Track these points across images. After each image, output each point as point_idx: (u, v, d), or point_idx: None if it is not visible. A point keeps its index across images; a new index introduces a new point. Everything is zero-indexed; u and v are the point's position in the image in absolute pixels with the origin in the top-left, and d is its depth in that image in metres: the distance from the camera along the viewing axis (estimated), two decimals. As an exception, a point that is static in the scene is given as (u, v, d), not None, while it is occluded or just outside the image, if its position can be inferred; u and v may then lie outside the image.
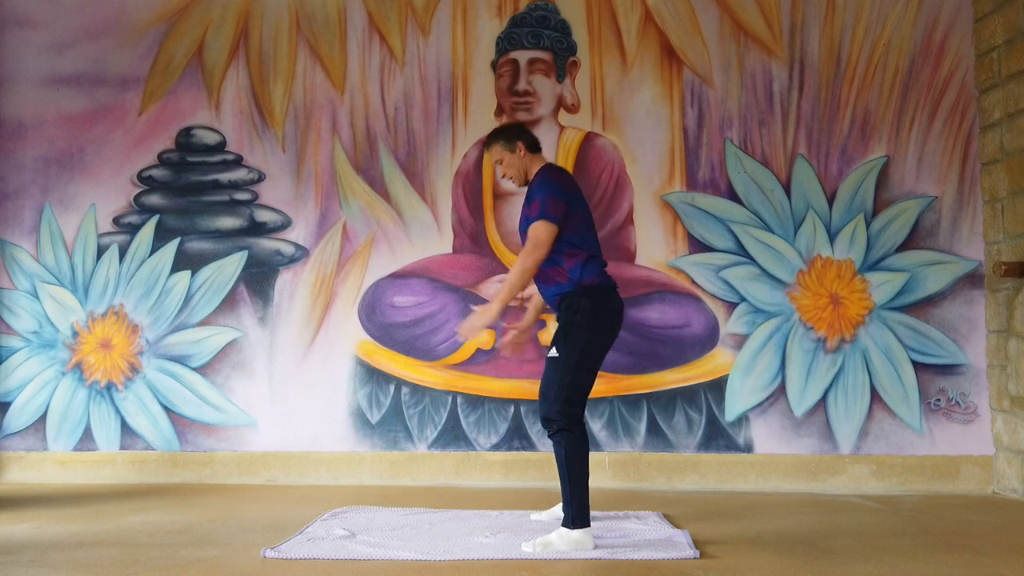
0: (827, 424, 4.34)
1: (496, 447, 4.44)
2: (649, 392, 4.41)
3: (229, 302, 4.64)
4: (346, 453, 4.51)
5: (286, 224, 4.66)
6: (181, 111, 4.75)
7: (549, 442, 4.35)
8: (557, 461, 3.06)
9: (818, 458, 4.32)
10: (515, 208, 4.54)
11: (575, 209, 3.18)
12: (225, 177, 4.71)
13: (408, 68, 4.68)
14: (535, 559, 2.89)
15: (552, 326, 3.93)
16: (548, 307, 3.36)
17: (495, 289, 4.48)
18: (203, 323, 4.64)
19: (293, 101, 4.72)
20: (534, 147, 3.35)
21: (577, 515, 3.01)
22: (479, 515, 3.59)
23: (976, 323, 4.33)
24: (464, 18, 4.68)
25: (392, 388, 4.53)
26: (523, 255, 3.11)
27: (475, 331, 3.28)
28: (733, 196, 4.49)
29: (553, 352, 3.12)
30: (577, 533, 2.99)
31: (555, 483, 3.83)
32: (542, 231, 3.10)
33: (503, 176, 3.36)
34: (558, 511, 3.44)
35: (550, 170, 3.26)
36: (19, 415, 4.66)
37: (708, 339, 4.43)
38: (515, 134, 3.33)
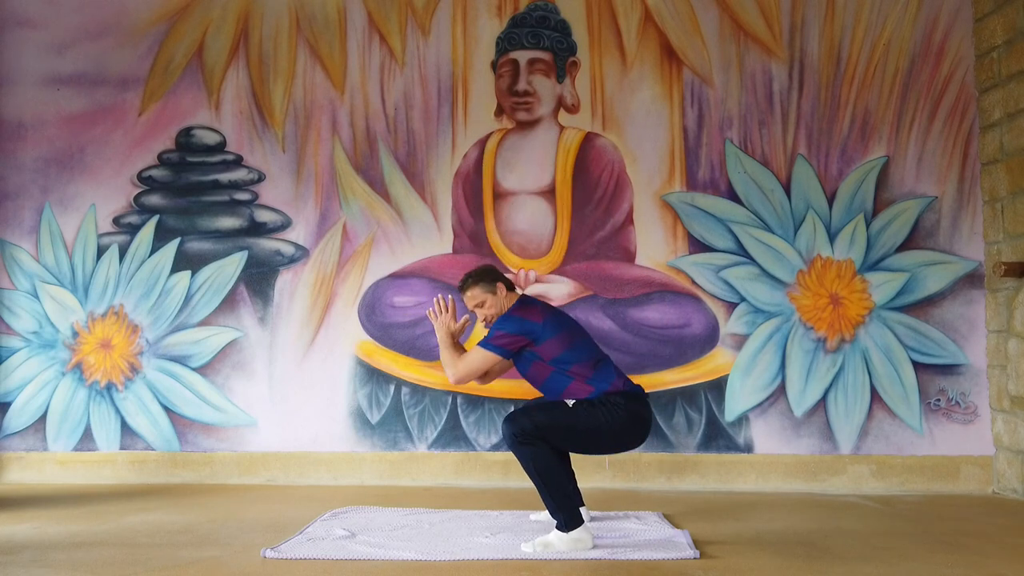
0: (827, 424, 4.34)
1: (496, 447, 4.44)
2: (649, 392, 4.39)
3: (229, 302, 4.64)
4: (346, 453, 4.51)
5: (286, 224, 4.66)
6: (181, 111, 4.75)
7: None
8: (528, 473, 3.03)
9: (818, 458, 4.32)
10: (515, 208, 4.54)
11: (553, 333, 3.13)
12: (225, 177, 4.71)
13: (408, 68, 4.68)
14: (535, 559, 2.88)
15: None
16: None
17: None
18: (203, 323, 4.64)
19: (293, 101, 4.72)
20: (512, 287, 3.33)
21: (568, 518, 2.99)
22: (479, 515, 3.59)
23: (976, 323, 4.33)
24: (464, 18, 4.68)
25: (392, 388, 4.53)
26: (452, 364, 3.23)
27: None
28: (733, 196, 4.49)
29: (569, 402, 3.07)
30: (574, 532, 2.98)
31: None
32: (471, 363, 3.20)
33: (483, 320, 3.29)
34: None
35: (516, 308, 3.22)
36: (19, 415, 4.66)
37: (708, 339, 4.43)
38: (492, 277, 3.30)
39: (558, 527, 3.01)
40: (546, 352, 3.13)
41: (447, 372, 3.27)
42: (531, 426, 2.98)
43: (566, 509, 3.01)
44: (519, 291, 3.32)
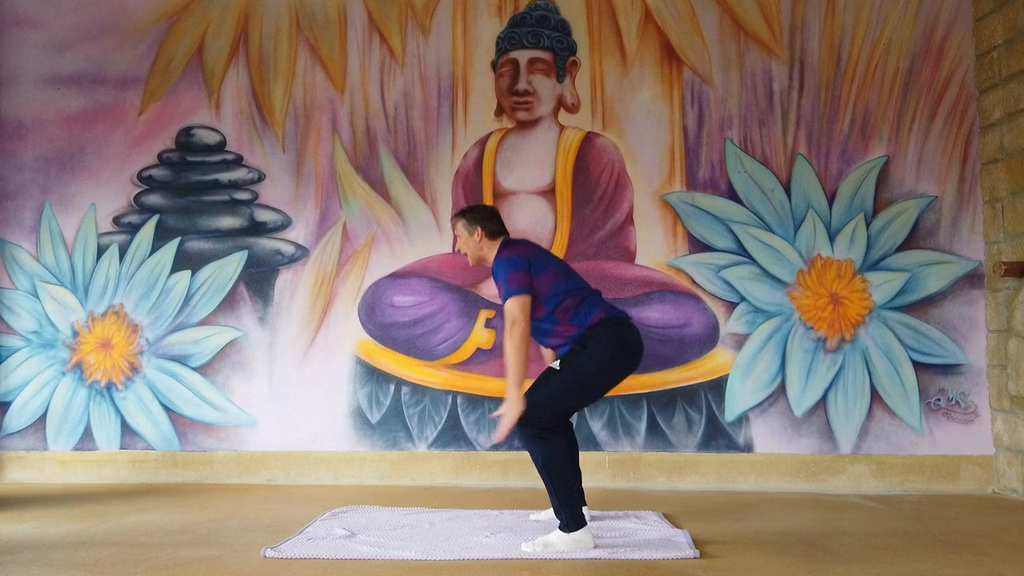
0: (827, 424, 4.34)
1: (496, 447, 4.44)
2: (649, 392, 4.41)
3: (229, 302, 4.64)
4: (346, 453, 4.51)
5: (286, 224, 4.66)
6: (181, 111, 4.75)
7: (549, 442, 4.35)
8: (536, 467, 3.06)
9: (818, 458, 4.32)
10: (515, 208, 4.54)
11: (540, 269, 3.18)
12: (225, 177, 4.71)
13: (408, 68, 4.68)
14: (535, 559, 2.88)
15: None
16: None
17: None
18: (203, 323, 4.64)
19: (293, 101, 4.72)
20: (494, 235, 3.33)
21: (570, 518, 3.00)
22: (479, 515, 3.59)
23: (976, 323, 4.33)
24: (464, 18, 4.68)
25: (392, 388, 4.53)
26: (506, 336, 3.11)
27: (510, 429, 3.12)
28: (733, 196, 4.49)
29: (555, 364, 3.12)
30: (576, 533, 2.99)
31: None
32: (512, 307, 3.11)
33: (458, 249, 3.37)
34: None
35: (501, 251, 3.27)
36: (19, 415, 4.66)
37: (708, 339, 4.43)
38: (477, 219, 3.34)
39: (560, 527, 3.01)
40: (539, 287, 3.16)
41: (512, 342, 3.08)
42: (534, 416, 3.00)
43: (569, 508, 3.01)
44: (503, 237, 3.35)
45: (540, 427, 3.03)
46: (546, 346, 3.31)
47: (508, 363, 3.07)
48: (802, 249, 4.44)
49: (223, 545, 3.11)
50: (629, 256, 4.49)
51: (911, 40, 4.48)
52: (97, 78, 4.79)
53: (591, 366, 3.10)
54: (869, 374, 4.34)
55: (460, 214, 3.39)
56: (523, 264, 3.17)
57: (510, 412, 3.02)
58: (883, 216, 4.41)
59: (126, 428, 4.62)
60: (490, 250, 3.32)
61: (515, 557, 2.90)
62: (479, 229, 3.32)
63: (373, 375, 4.55)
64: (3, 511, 3.79)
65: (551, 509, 3.49)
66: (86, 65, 4.80)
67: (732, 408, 4.38)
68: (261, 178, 4.69)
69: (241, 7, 4.76)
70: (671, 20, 4.58)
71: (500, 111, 4.63)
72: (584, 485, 3.69)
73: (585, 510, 3.38)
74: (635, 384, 4.40)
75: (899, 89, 4.47)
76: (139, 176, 4.74)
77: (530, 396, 3.05)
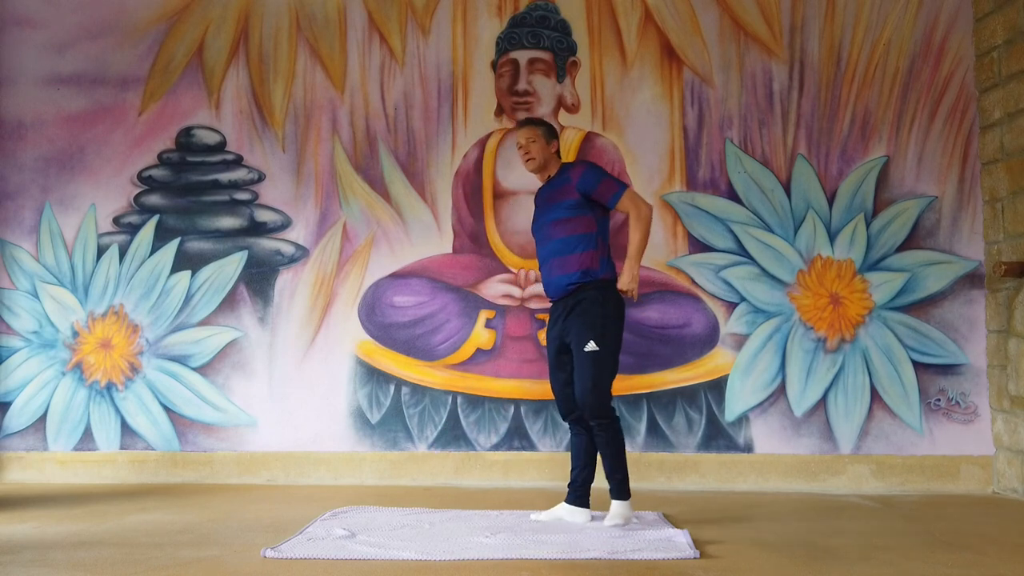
0: (827, 424, 4.34)
1: (496, 447, 4.44)
2: (649, 392, 4.41)
3: (229, 302, 4.64)
4: (346, 453, 4.51)
5: (286, 224, 4.66)
6: (181, 111, 4.75)
7: (549, 441, 4.36)
8: (608, 445, 3.34)
9: (818, 458, 4.32)
10: (515, 208, 4.54)
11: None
12: (225, 177, 4.71)
13: (408, 68, 4.68)
14: (535, 559, 2.88)
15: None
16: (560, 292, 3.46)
17: (498, 290, 4.49)
18: (203, 323, 4.64)
19: (293, 101, 4.72)
20: (559, 154, 3.65)
21: (626, 487, 3.37)
22: (479, 515, 3.59)
23: (976, 323, 4.33)
24: (464, 18, 4.68)
25: (392, 388, 4.53)
26: (639, 218, 3.40)
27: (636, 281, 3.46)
28: (733, 196, 4.49)
29: (592, 346, 3.31)
30: (629, 503, 3.36)
31: (555, 482, 3.84)
32: (632, 194, 3.45)
33: (526, 155, 3.53)
34: (558, 511, 3.47)
35: (581, 161, 3.69)
36: (19, 415, 4.66)
37: (708, 339, 4.43)
38: (555, 133, 3.62)
39: (621, 496, 3.35)
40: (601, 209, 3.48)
41: (646, 223, 3.44)
42: (605, 404, 3.32)
43: (627, 480, 3.38)
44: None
45: (611, 413, 3.34)
46: (558, 265, 3.44)
47: (639, 242, 3.39)
48: (802, 249, 4.44)
49: (223, 545, 3.11)
50: (629, 256, 4.49)
51: (911, 40, 4.48)
52: (97, 78, 4.79)
53: (615, 330, 3.39)
54: (869, 374, 4.34)
55: (540, 122, 3.59)
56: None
57: (634, 282, 3.40)
58: (883, 216, 4.41)
59: (126, 428, 4.62)
60: (554, 165, 3.58)
61: (515, 557, 2.90)
62: (556, 142, 3.59)
63: (373, 375, 4.54)
64: (3, 511, 3.79)
65: (552, 509, 3.51)
66: (86, 65, 4.80)
67: (732, 408, 4.38)
68: (261, 178, 4.69)
69: (241, 7, 4.76)
70: (671, 20, 4.58)
71: (500, 111, 4.63)
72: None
73: (587, 511, 3.47)
74: (635, 384, 4.40)
75: (899, 89, 4.47)
76: (139, 176, 4.74)
77: (596, 386, 3.29)
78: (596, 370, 3.30)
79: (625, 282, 3.40)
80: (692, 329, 4.44)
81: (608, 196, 3.41)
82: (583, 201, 3.42)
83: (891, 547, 3.07)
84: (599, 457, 3.43)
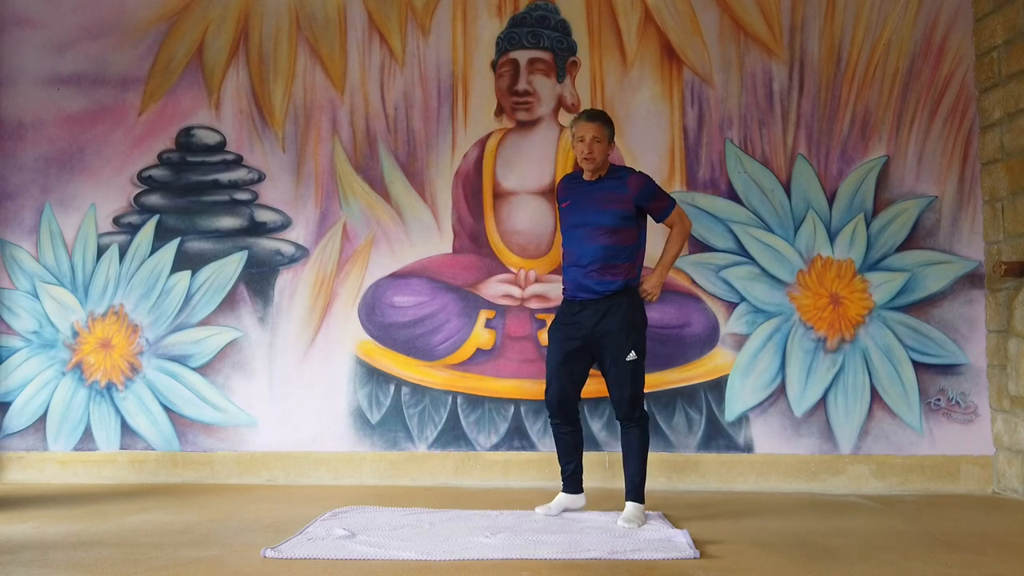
0: (827, 424, 4.34)
1: (496, 447, 4.44)
2: (649, 392, 4.40)
3: (229, 302, 4.64)
4: (346, 453, 4.51)
5: (286, 224, 4.66)
6: (181, 111, 4.75)
7: (549, 442, 4.36)
8: (636, 446, 3.50)
9: (818, 458, 4.32)
10: (515, 208, 4.54)
11: None
12: (225, 177, 4.71)
13: (408, 68, 4.68)
14: (537, 559, 2.88)
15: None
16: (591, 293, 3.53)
17: (498, 290, 4.49)
18: (203, 323, 4.64)
19: (293, 101, 4.71)
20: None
21: (643, 490, 3.50)
22: (479, 515, 3.59)
23: (976, 323, 4.33)
24: (464, 18, 4.68)
25: (392, 388, 4.53)
26: (680, 232, 3.64)
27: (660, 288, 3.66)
28: (733, 196, 4.49)
29: (633, 356, 3.46)
30: (643, 506, 3.48)
31: (555, 482, 3.83)
32: (682, 210, 3.71)
33: (588, 153, 3.53)
34: (562, 500, 3.64)
35: (637, 172, 3.70)
36: (19, 415, 4.66)
37: (708, 339, 4.43)
38: (614, 135, 3.68)
39: (637, 499, 3.47)
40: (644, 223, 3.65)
41: (683, 240, 3.71)
42: (642, 406, 3.52)
43: (644, 482, 3.52)
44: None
45: (646, 414, 3.54)
46: (599, 271, 3.51)
47: (676, 253, 3.65)
48: (802, 249, 4.44)
49: (223, 545, 3.11)
50: (629, 256, 4.49)
51: (911, 40, 4.48)
52: (97, 78, 4.79)
53: (645, 336, 3.57)
54: (869, 374, 4.34)
55: (608, 121, 3.58)
56: None
57: (658, 288, 3.62)
58: (883, 216, 4.41)
59: (126, 428, 4.62)
60: (605, 165, 3.63)
61: (515, 557, 2.90)
62: (615, 145, 3.72)
63: (373, 375, 4.54)
64: (3, 511, 3.79)
65: (556, 500, 3.65)
66: (86, 65, 4.80)
67: (732, 408, 4.38)
68: (261, 178, 4.69)
69: (241, 7, 4.76)
70: (671, 20, 4.58)
71: (500, 111, 4.63)
72: (584, 485, 3.73)
73: (583, 496, 3.70)
74: (635, 384, 4.40)
75: (899, 89, 4.47)
76: (139, 176, 4.74)
77: (635, 393, 3.47)
78: (636, 376, 3.48)
79: (652, 284, 3.59)
80: (692, 329, 4.44)
81: (660, 211, 3.61)
82: (635, 212, 3.56)
83: (891, 547, 3.07)
84: (622, 457, 3.58)
